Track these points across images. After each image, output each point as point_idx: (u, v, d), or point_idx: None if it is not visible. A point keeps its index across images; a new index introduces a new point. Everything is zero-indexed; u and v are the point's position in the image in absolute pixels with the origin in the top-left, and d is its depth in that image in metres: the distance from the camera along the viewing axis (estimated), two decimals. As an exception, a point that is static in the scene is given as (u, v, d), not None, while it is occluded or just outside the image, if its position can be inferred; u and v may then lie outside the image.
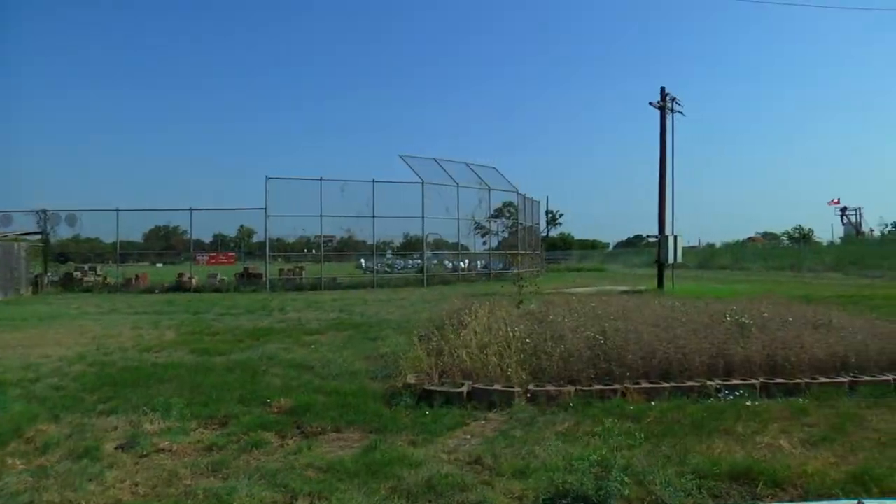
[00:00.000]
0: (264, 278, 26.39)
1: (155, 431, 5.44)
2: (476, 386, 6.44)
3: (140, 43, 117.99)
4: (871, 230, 59.52)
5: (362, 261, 35.43)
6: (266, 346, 9.95)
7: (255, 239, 39.84)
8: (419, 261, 31.74)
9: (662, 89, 23.77)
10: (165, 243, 36.60)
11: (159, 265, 39.78)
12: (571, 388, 6.36)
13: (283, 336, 11.16)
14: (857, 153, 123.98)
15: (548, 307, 10.28)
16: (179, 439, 5.23)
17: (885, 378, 6.73)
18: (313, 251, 32.33)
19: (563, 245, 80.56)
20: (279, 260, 33.09)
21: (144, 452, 4.97)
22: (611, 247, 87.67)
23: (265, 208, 25.84)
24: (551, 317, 9.01)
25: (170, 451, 5.00)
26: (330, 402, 6.27)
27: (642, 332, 7.59)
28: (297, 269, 28.74)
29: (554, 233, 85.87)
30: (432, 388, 6.41)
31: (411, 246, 34.08)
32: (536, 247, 39.71)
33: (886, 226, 59.43)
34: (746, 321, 8.36)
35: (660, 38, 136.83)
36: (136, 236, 30.77)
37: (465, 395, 6.30)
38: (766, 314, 9.15)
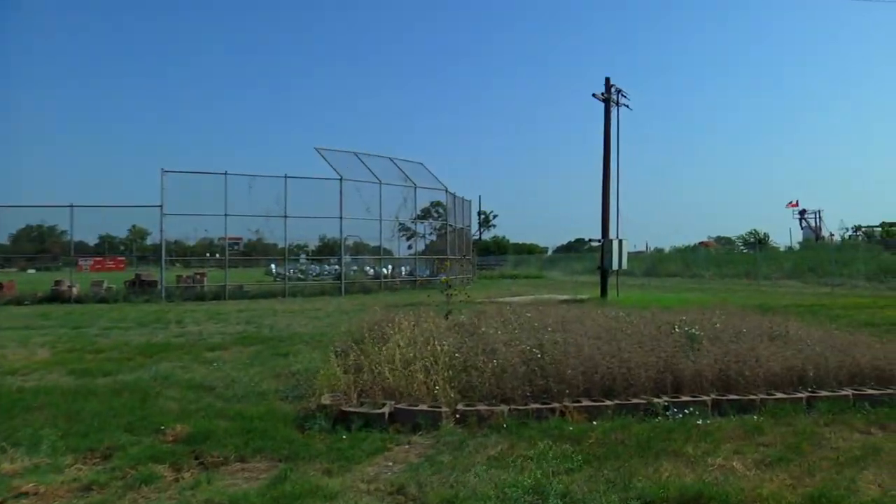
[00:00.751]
0: (159, 286, 25.61)
1: (16, 471, 5.11)
2: (399, 406, 6.40)
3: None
4: (832, 235, 62.30)
5: (273, 266, 34.99)
6: (160, 365, 9.63)
7: (148, 241, 38.80)
8: (336, 266, 31.60)
9: (607, 80, 24.40)
10: (39, 246, 35.09)
11: (31, 271, 38.16)
12: (505, 408, 6.39)
13: (180, 353, 10.86)
14: (818, 155, 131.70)
15: (479, 318, 10.34)
16: (49, 479, 4.93)
17: (844, 393, 7.06)
18: (216, 255, 31.73)
19: (498, 249, 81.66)
20: (177, 265, 32.31)
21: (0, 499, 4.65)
22: (550, 252, 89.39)
23: (161, 206, 25.11)
24: (483, 329, 9.07)
25: (35, 494, 4.71)
26: (233, 427, 6.10)
27: (583, 344, 7.72)
28: (198, 276, 28.09)
29: (487, 236, 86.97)
30: (350, 409, 6.33)
31: (328, 249, 33.83)
32: (468, 251, 40.07)
33: (847, 230, 62.10)
34: (697, 332, 8.62)
35: (611, 31, 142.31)
36: (1, 237, 29.29)
37: (386, 416, 6.25)
38: (718, 325, 9.46)
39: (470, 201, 41.37)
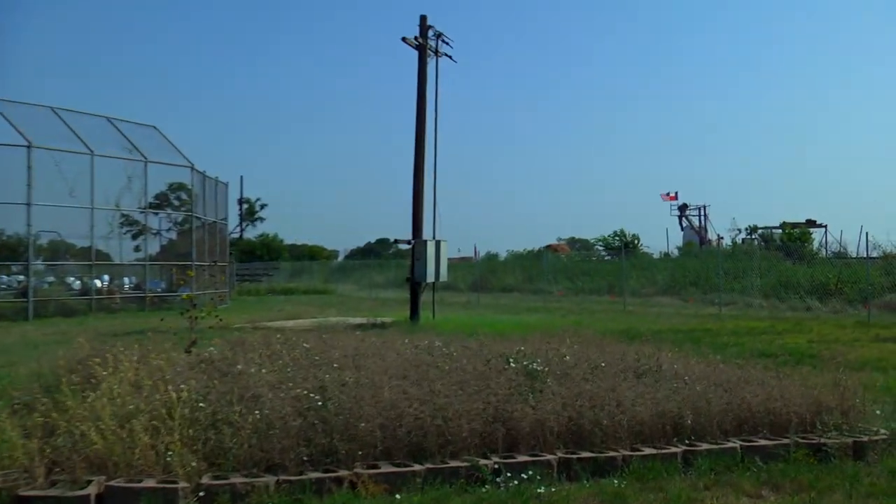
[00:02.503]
0: None
1: None
2: (114, 483, 6.21)
3: None
4: (720, 237, 66.49)
5: None
6: None
7: None
8: (21, 277, 30.62)
9: (423, 19, 24.74)
10: None
11: None
12: (271, 479, 6.41)
13: None
14: (705, 139, 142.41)
15: (237, 351, 10.26)
16: None
17: (730, 445, 7.72)
18: None
19: (267, 253, 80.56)
20: None
21: None
22: (341, 256, 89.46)
23: None
24: (241, 366, 8.98)
25: None
26: None
27: (383, 386, 7.88)
28: None
29: (252, 233, 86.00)
30: (33, 492, 6.06)
31: (7, 251, 32.09)
32: (223, 255, 39.70)
33: (739, 232, 66.47)
34: (540, 368, 9.06)
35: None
36: None
37: (93, 499, 6.07)
38: (568, 358, 9.97)
39: (227, 184, 40.80)
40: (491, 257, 63.33)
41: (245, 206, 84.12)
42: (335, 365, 9.19)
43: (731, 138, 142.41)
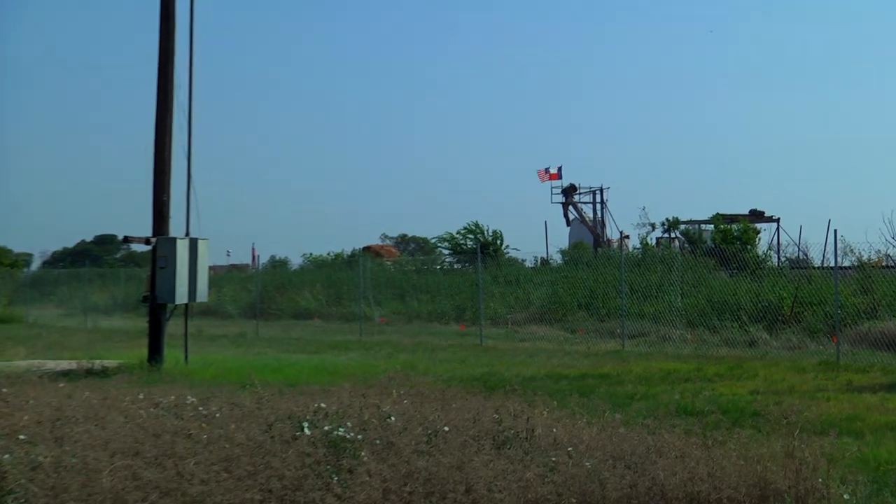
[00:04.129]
0: None
1: None
2: None
3: None
4: (624, 236, 66.84)
5: None
6: None
7: None
8: None
9: None
10: None
11: None
12: None
13: None
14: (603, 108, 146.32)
15: None
16: None
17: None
18: None
19: None
20: None
21: None
22: (36, 263, 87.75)
23: None
24: None
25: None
26: None
27: (101, 469, 7.69)
28: None
29: None
30: None
31: None
32: None
33: (652, 228, 66.41)
34: (350, 436, 8.99)
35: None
36: None
37: None
38: (394, 419, 9.96)
39: None
40: (278, 265, 62.83)
41: None
42: (22, 437, 8.91)
43: (637, 99, 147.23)
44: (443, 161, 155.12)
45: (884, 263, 37.00)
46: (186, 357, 23.46)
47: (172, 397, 12.06)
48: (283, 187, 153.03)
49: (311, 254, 64.31)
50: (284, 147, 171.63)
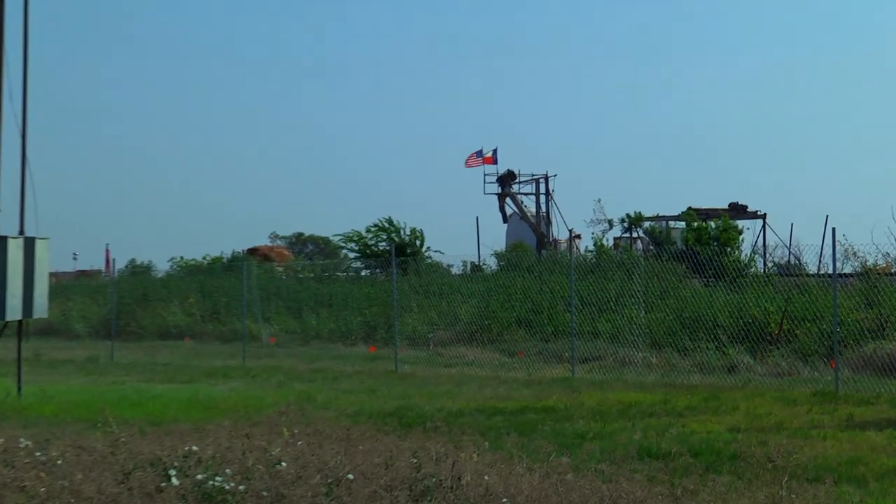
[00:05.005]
0: None
1: None
2: None
3: None
4: (573, 235, 66.47)
5: None
6: None
7: None
8: None
9: None
10: None
11: None
12: None
13: None
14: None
15: None
16: None
17: None
18: None
19: None
20: None
21: None
22: None
23: None
24: None
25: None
26: None
27: None
28: None
29: None
30: None
31: None
32: None
33: (609, 225, 66.19)
34: (229, 486, 8.95)
35: None
36: None
37: None
38: (285, 464, 9.93)
39: None
40: (140, 272, 62.36)
41: None
42: None
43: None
44: (348, 144, 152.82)
45: (893, 270, 36.26)
46: (20, 388, 23.15)
47: (1, 440, 11.95)
48: (147, 177, 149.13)
49: (181, 258, 63.64)
50: (150, 132, 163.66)
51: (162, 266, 62.68)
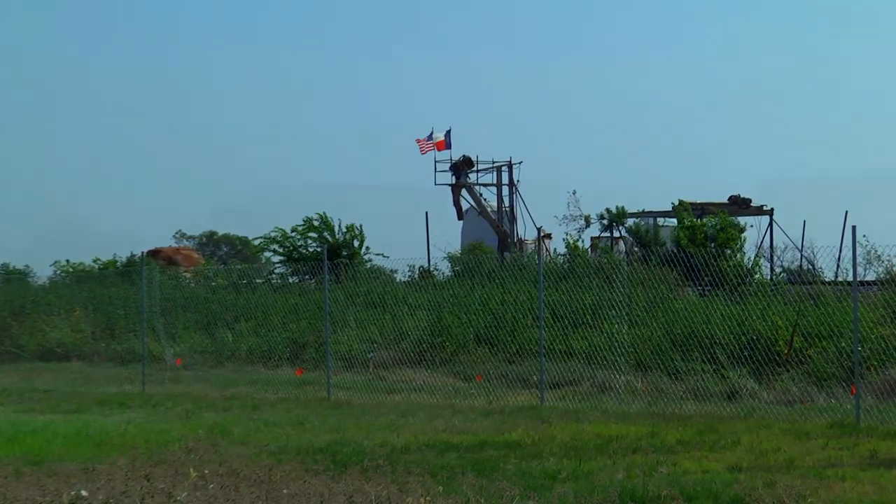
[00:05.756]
0: None
1: None
2: None
3: None
4: (544, 234, 66.80)
5: None
6: None
7: None
8: None
9: None
10: None
11: None
12: None
13: None
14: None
15: None
16: None
17: None
18: None
19: None
20: None
21: None
22: None
23: None
24: None
25: None
26: None
27: None
28: None
29: None
30: None
31: None
32: None
33: (587, 222, 66.68)
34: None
35: None
36: None
37: None
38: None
39: None
40: (14, 279, 62.59)
41: None
42: None
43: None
44: (272, 127, 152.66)
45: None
46: None
47: None
48: (22, 167, 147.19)
49: (66, 262, 63.82)
50: (27, 115, 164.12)
51: (43, 272, 62.82)
